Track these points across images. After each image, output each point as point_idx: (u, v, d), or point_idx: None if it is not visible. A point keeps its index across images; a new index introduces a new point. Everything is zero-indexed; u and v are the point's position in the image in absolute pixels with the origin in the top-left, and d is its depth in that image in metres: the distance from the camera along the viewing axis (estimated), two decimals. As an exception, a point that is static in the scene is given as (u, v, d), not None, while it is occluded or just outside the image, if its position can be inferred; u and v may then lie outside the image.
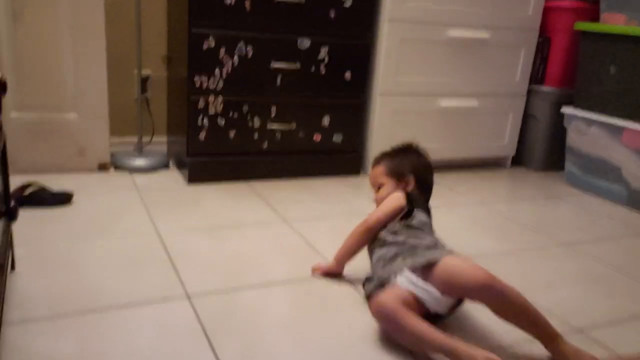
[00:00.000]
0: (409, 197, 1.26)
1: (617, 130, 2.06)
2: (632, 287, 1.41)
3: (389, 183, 1.35)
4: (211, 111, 1.91)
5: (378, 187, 1.38)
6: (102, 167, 2.01)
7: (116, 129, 2.14)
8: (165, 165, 2.12)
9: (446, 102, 2.24)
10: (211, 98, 1.90)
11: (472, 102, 2.30)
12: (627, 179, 2.05)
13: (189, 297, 1.18)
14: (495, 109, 2.37)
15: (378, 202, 1.34)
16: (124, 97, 2.17)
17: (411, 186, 1.33)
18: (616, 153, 2.08)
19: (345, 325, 1.12)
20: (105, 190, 1.83)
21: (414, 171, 1.34)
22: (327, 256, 1.43)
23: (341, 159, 2.18)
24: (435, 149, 2.29)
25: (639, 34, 1.96)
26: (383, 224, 1.23)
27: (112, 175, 1.98)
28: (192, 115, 1.89)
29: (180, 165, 2.08)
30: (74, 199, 1.68)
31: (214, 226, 1.59)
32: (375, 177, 1.39)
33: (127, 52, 2.12)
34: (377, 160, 1.42)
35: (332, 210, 1.79)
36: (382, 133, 2.18)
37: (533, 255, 1.58)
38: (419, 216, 1.22)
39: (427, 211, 1.29)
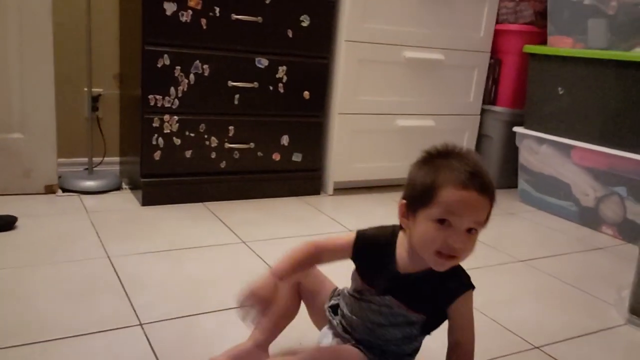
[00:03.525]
0: None
1: (566, 149, 2.13)
2: (587, 301, 1.44)
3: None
4: (166, 130, 1.86)
5: (474, 229, 0.83)
6: (49, 190, 1.91)
7: (65, 150, 2.05)
8: (118, 187, 2.04)
9: (404, 122, 2.26)
10: (166, 117, 1.85)
11: (429, 122, 2.33)
12: (577, 196, 2.12)
13: (141, 325, 1.12)
14: (451, 128, 2.41)
15: (465, 252, 0.83)
16: (74, 116, 2.08)
17: None
18: (566, 171, 2.15)
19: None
20: (53, 213, 1.74)
21: None
22: (288, 278, 1.40)
23: (301, 178, 2.16)
24: (394, 167, 2.31)
25: (584, 56, 2.04)
26: None
27: (60, 198, 1.89)
28: (146, 134, 1.84)
29: (133, 187, 2.00)
30: (18, 223, 1.59)
31: (169, 249, 1.53)
32: (482, 210, 0.83)
33: (78, 70, 2.04)
34: (489, 185, 0.83)
35: (292, 231, 1.76)
36: (341, 152, 2.17)
37: (492, 272, 1.59)
38: None
39: None
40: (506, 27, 2.39)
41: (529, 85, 2.30)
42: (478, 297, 0.91)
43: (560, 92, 2.16)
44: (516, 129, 2.34)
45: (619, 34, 1.96)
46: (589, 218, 2.08)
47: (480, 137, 2.53)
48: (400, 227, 0.91)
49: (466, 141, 2.47)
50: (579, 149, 2.08)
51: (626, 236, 1.95)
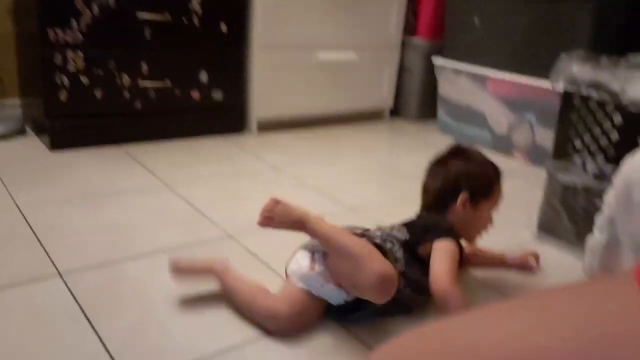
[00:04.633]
0: None
1: (482, 79, 2.20)
2: (500, 222, 1.53)
3: None
4: (71, 68, 1.71)
5: None
6: (-59, 137, 1.73)
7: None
8: (21, 131, 1.88)
9: (326, 55, 2.23)
10: (70, 53, 1.70)
11: (351, 55, 2.31)
12: (491, 124, 2.22)
13: (61, 276, 1.07)
14: (373, 61, 2.41)
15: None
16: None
17: None
18: (481, 100, 2.23)
19: (238, 287, 1.09)
20: (-52, 163, 1.58)
21: None
22: (217, 220, 1.38)
23: (223, 116, 2.09)
24: (317, 103, 2.30)
25: (499, -13, 2.08)
26: None
27: (-45, 146, 1.72)
28: (48, 73, 1.68)
29: (39, 131, 1.85)
30: None
31: (86, 196, 1.45)
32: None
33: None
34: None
35: (217, 171, 1.72)
36: (264, 88, 2.12)
37: (416, 203, 1.65)
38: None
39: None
40: (425, -44, 2.37)
41: (447, 15, 2.32)
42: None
43: (476, 23, 2.19)
44: (435, 60, 2.37)
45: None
46: (502, 145, 2.19)
47: (401, 69, 2.55)
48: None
49: (387, 73, 2.49)
50: (493, 79, 2.16)
51: (535, 160, 2.08)
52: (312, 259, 0.97)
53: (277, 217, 0.96)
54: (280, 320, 0.93)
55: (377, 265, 0.86)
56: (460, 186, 1.10)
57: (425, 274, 0.98)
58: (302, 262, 0.98)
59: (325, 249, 0.95)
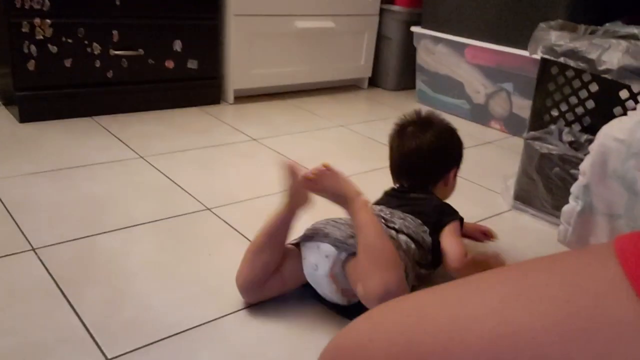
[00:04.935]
0: None
1: (460, 48, 2.19)
2: (477, 191, 1.55)
3: None
4: (39, 36, 1.65)
5: None
6: None
7: None
8: (-11, 103, 1.82)
9: (303, 23, 2.18)
10: (37, 20, 1.63)
11: (329, 23, 2.27)
12: (469, 94, 2.22)
13: (34, 250, 1.05)
14: (351, 29, 2.37)
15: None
16: None
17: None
18: (460, 70, 2.22)
19: (217, 260, 1.08)
20: None
21: None
22: (193, 192, 1.36)
23: (198, 87, 2.05)
24: (295, 72, 2.26)
25: (478, -46, 2.05)
26: None
27: None
28: (16, 41, 1.62)
29: (8, 102, 1.79)
30: None
31: (58, 169, 1.42)
32: None
33: None
34: None
35: (193, 143, 1.69)
36: (240, 58, 2.07)
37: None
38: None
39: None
40: None
41: (426, -17, 2.29)
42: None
43: (456, -9, 2.17)
44: (414, 28, 2.35)
45: None
46: (480, 114, 2.20)
47: (380, 39, 2.52)
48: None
49: (366, 43, 2.45)
50: (471, 47, 2.14)
51: (512, 129, 2.09)
52: (333, 266, 0.90)
53: (322, 184, 0.91)
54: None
55: (392, 278, 0.83)
56: (450, 163, 1.12)
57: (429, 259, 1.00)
58: (321, 263, 0.91)
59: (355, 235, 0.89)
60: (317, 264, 0.91)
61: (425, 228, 1.01)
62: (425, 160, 1.10)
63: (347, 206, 0.91)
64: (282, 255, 0.94)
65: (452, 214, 1.06)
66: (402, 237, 0.95)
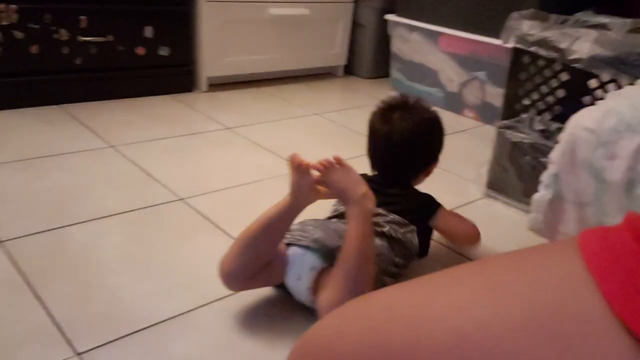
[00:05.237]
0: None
1: (434, 36, 2.19)
2: (450, 179, 1.56)
3: None
4: (4, 22, 1.59)
5: None
6: None
7: None
8: (-49, 91, 1.75)
9: (277, 10, 2.16)
10: (2, 6, 1.57)
11: (303, 10, 2.25)
12: (443, 82, 2.23)
13: (1, 242, 1.02)
14: (325, 17, 2.35)
15: None
16: None
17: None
18: (434, 58, 2.23)
19: (190, 251, 1.07)
20: None
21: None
22: (166, 182, 1.34)
23: (170, 74, 2.01)
24: (269, 60, 2.24)
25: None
26: None
27: None
28: (-23, 27, 1.56)
29: (-29, 90, 1.73)
30: None
31: (24, 159, 1.38)
32: None
33: None
34: None
35: (165, 132, 1.66)
36: (213, 45, 2.04)
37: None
38: None
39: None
40: None
41: (401, -30, 2.28)
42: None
43: (430, -21, 2.17)
44: (388, 16, 2.34)
45: None
46: (453, 103, 2.21)
47: (354, 26, 2.51)
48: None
49: (340, 30, 2.44)
50: (445, 35, 2.15)
51: (485, 118, 2.12)
52: (316, 279, 0.88)
53: (328, 177, 0.87)
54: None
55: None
56: (437, 154, 1.11)
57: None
58: (305, 276, 0.88)
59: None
60: (301, 275, 0.88)
61: (413, 227, 1.00)
62: (415, 154, 1.05)
63: (347, 207, 0.87)
64: (276, 249, 0.89)
65: (433, 201, 1.08)
66: (379, 242, 0.93)
